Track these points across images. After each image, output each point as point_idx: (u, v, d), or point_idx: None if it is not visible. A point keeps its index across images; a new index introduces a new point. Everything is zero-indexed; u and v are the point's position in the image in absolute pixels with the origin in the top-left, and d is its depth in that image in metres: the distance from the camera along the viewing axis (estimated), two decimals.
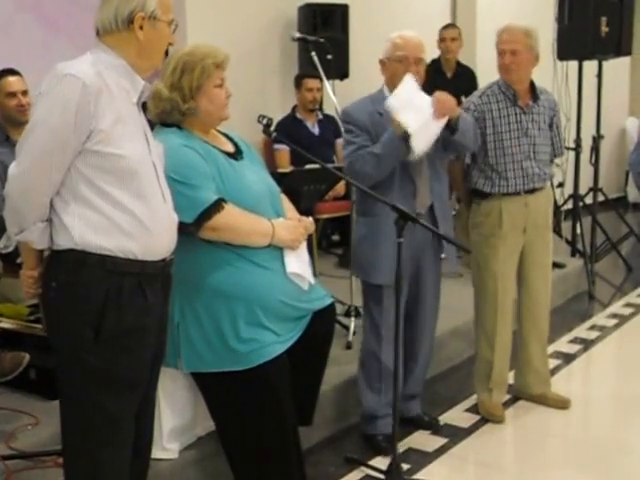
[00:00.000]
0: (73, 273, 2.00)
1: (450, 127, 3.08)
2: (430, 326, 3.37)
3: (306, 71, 5.39)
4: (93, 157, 1.97)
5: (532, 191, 3.46)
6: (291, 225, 2.65)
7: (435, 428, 3.45)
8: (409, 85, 3.04)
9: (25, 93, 3.65)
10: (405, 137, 2.98)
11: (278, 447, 2.56)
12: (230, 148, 2.67)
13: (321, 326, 2.70)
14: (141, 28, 2.03)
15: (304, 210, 2.97)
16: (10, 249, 1.99)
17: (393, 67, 3.15)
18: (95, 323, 1.99)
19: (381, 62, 3.22)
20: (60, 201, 2.00)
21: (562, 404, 3.67)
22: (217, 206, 2.46)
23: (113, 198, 1.99)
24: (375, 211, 3.10)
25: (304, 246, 2.70)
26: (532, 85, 3.48)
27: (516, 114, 3.43)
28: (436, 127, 3.04)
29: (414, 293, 3.24)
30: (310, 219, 2.76)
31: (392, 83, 3.15)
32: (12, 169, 1.97)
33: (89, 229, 1.98)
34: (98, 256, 1.99)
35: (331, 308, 2.77)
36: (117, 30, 2.03)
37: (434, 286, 3.31)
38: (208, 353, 2.52)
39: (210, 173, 2.50)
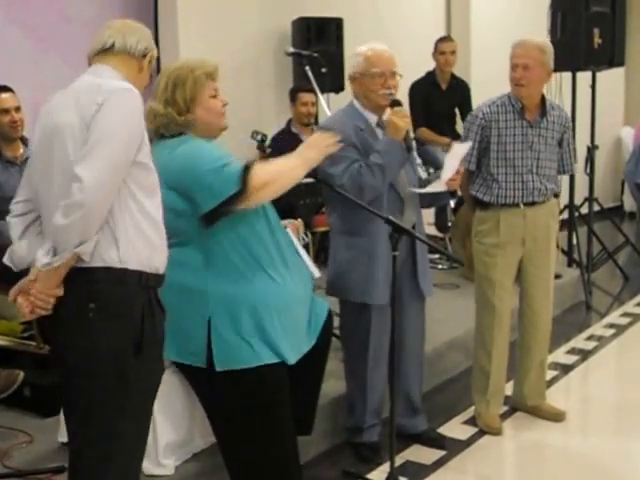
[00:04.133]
0: (113, 292, 2.00)
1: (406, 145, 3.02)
2: (416, 342, 3.31)
3: (301, 85, 5.40)
4: (137, 169, 2.02)
5: (532, 204, 3.46)
6: (312, 142, 2.64)
7: (440, 445, 3.39)
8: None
9: (18, 109, 3.65)
10: (406, 139, 2.98)
11: (281, 458, 2.54)
12: None
13: (319, 335, 2.72)
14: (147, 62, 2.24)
15: None
16: (54, 265, 1.92)
17: (368, 83, 3.07)
18: (136, 338, 2.02)
19: (351, 78, 3.13)
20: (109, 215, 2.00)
21: (556, 417, 3.66)
22: (248, 167, 2.41)
23: (148, 212, 2.05)
24: (369, 230, 3.03)
25: None
26: (543, 100, 3.47)
27: (522, 127, 3.42)
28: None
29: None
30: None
31: (368, 99, 3.10)
32: (87, 179, 1.91)
33: (131, 243, 2.01)
34: (136, 272, 2.02)
35: (328, 317, 2.78)
36: (132, 55, 2.19)
37: (416, 304, 3.24)
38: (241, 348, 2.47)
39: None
